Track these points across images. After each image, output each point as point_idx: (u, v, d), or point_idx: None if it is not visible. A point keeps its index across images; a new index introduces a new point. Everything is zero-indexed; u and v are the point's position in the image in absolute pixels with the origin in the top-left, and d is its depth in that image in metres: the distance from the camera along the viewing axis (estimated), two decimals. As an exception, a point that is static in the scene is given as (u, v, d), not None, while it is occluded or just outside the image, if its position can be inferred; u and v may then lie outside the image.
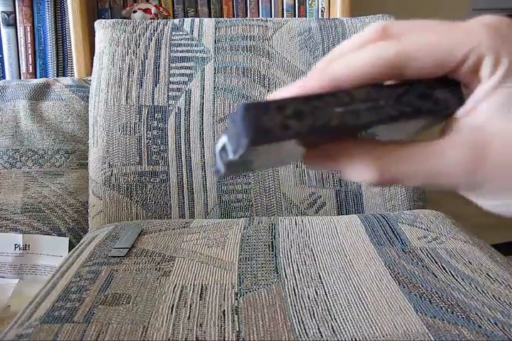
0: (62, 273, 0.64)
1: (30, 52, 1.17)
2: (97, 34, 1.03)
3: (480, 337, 0.48)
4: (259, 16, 1.25)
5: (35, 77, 1.18)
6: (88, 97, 1.02)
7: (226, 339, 0.48)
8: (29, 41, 1.17)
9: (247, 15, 1.25)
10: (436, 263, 0.63)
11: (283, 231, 0.75)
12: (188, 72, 0.97)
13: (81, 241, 0.82)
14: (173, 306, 0.54)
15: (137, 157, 0.93)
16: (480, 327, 0.49)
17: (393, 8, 1.53)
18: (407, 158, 0.22)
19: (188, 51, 0.98)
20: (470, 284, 0.58)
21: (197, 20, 1.02)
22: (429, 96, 0.22)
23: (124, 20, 1.02)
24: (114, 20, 1.02)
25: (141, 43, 0.99)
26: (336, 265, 0.64)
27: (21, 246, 0.96)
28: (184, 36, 1.00)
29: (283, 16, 1.25)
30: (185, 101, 0.95)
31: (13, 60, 1.17)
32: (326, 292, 0.57)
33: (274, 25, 1.01)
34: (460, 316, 0.51)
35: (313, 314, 0.53)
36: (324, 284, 0.59)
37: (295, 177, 0.92)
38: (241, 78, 0.96)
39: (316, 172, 0.93)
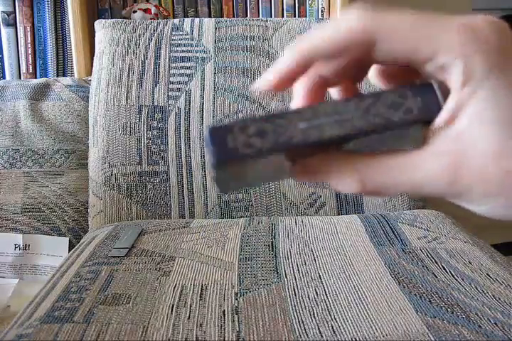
0: (62, 273, 0.64)
1: (30, 52, 1.17)
2: (97, 34, 1.03)
3: (480, 337, 0.48)
4: (259, 16, 1.25)
5: (35, 77, 1.18)
6: (88, 97, 1.02)
7: (226, 339, 0.48)
8: (29, 41, 1.17)
9: (247, 15, 1.25)
10: (436, 263, 0.63)
11: (283, 231, 0.75)
12: (188, 72, 0.97)
13: (81, 241, 0.82)
14: (173, 306, 0.54)
15: (137, 157, 0.93)
16: (480, 327, 0.49)
17: (393, 8, 1.53)
18: (387, 169, 0.22)
19: (188, 51, 0.98)
20: (470, 284, 0.58)
21: (197, 20, 1.02)
22: (399, 105, 0.21)
23: (124, 20, 1.02)
24: (114, 20, 1.02)
25: (141, 43, 0.99)
26: (336, 265, 0.64)
27: (21, 246, 0.96)
28: (184, 36, 1.00)
29: (283, 16, 1.25)
30: (185, 101, 0.95)
31: (13, 60, 1.17)
32: (326, 292, 0.57)
33: (274, 25, 1.01)
34: (460, 316, 0.51)
35: (313, 314, 0.53)
36: (324, 284, 0.59)
37: (295, 177, 0.92)
38: (241, 78, 0.96)
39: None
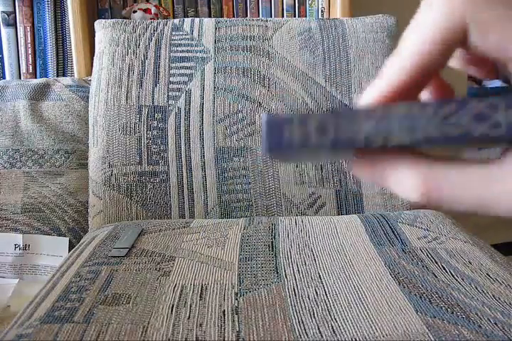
0: (62, 273, 0.64)
1: (30, 52, 1.17)
2: (97, 34, 1.03)
3: (480, 337, 0.48)
4: (259, 16, 1.25)
5: (35, 77, 1.18)
6: (88, 97, 1.02)
7: (226, 339, 0.48)
8: (29, 41, 1.17)
9: (247, 15, 1.25)
10: (436, 263, 0.63)
11: (283, 231, 0.75)
12: (188, 72, 0.97)
13: (81, 241, 0.82)
14: (173, 306, 0.54)
15: (137, 157, 0.93)
16: (480, 327, 0.49)
17: (393, 8, 1.53)
18: (459, 179, 0.19)
19: (188, 51, 0.98)
20: (470, 284, 0.58)
21: (197, 20, 1.02)
22: (486, 117, 0.18)
23: (124, 20, 1.02)
24: (114, 20, 1.02)
25: (141, 43, 0.99)
26: (336, 265, 0.64)
27: (21, 246, 0.96)
28: (184, 36, 1.00)
29: (283, 16, 1.25)
30: (185, 101, 0.95)
31: (13, 60, 1.17)
32: (326, 292, 0.57)
33: (274, 25, 1.01)
34: (460, 316, 0.51)
35: (313, 314, 0.53)
36: (324, 284, 0.59)
37: (295, 177, 0.92)
38: (241, 78, 0.96)
39: (316, 172, 0.93)
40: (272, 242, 0.71)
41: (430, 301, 0.54)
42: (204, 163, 0.93)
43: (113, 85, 0.96)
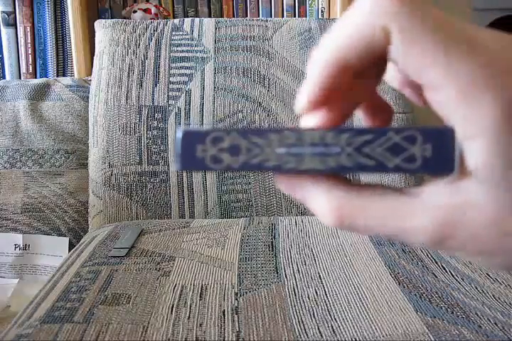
0: (62, 273, 0.64)
1: (30, 52, 1.17)
2: (97, 34, 1.03)
3: (480, 337, 0.48)
4: (259, 16, 1.25)
5: (35, 77, 1.18)
6: (88, 97, 1.02)
7: (226, 339, 0.48)
8: (29, 41, 1.17)
9: (247, 15, 1.25)
10: (436, 263, 0.63)
11: (283, 231, 0.75)
12: (188, 72, 0.97)
13: (81, 241, 0.82)
14: (173, 306, 0.54)
15: (137, 157, 0.93)
16: (480, 327, 0.49)
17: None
18: (372, 208, 0.19)
19: (188, 51, 0.98)
20: (470, 284, 0.58)
21: (197, 20, 1.02)
22: (401, 150, 0.18)
23: (124, 20, 1.02)
24: (114, 20, 1.02)
25: (141, 43, 0.99)
26: (336, 265, 0.64)
27: (21, 246, 0.96)
28: (184, 36, 1.00)
29: (283, 16, 1.25)
30: (185, 101, 0.95)
31: (13, 60, 1.17)
32: (326, 292, 0.57)
33: (274, 25, 1.01)
34: (460, 316, 0.51)
35: (313, 314, 0.53)
36: (324, 284, 0.59)
37: (295, 177, 0.92)
38: (241, 78, 0.96)
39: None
40: (272, 242, 0.71)
41: (430, 301, 0.54)
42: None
43: (113, 85, 0.96)
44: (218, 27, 1.01)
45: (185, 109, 0.95)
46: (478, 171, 0.17)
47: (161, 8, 1.20)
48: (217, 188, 0.92)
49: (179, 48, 0.99)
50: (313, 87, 0.19)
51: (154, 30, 1.00)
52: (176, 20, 1.02)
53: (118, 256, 0.66)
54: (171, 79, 0.96)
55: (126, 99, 0.95)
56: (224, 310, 0.53)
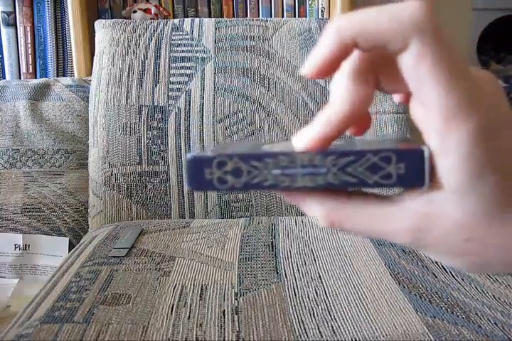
0: (62, 273, 0.64)
1: (30, 52, 1.17)
2: (97, 34, 1.03)
3: (480, 337, 0.48)
4: (259, 16, 1.25)
5: (35, 77, 1.18)
6: (88, 97, 1.02)
7: (226, 339, 0.48)
8: (29, 41, 1.17)
9: (247, 16, 1.25)
10: (436, 263, 0.63)
11: (283, 231, 0.75)
12: (188, 72, 0.97)
13: (81, 241, 0.82)
14: (173, 306, 0.54)
15: (137, 157, 0.93)
16: (480, 327, 0.49)
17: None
18: (357, 216, 0.23)
19: (188, 51, 0.98)
20: (470, 284, 0.58)
21: (197, 20, 1.02)
22: (379, 169, 0.21)
23: (124, 20, 1.02)
24: (114, 20, 1.02)
25: (141, 43, 0.99)
26: (336, 265, 0.64)
27: (21, 246, 0.96)
28: (184, 36, 1.00)
29: (283, 16, 1.25)
30: (185, 101, 0.95)
31: (13, 60, 1.17)
32: (326, 292, 0.57)
33: (274, 25, 1.01)
34: (460, 316, 0.51)
35: (313, 314, 0.53)
36: (324, 284, 0.59)
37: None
38: (241, 78, 0.96)
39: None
40: (272, 242, 0.71)
41: (430, 301, 0.54)
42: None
43: (113, 85, 0.96)
44: (218, 27, 1.01)
45: (185, 109, 0.94)
46: (447, 184, 0.20)
47: (161, 8, 1.20)
48: (217, 188, 0.92)
49: (179, 48, 0.99)
50: (323, 52, 0.21)
51: (154, 30, 1.00)
52: (176, 20, 1.02)
53: (118, 256, 0.66)
54: (171, 79, 0.96)
55: (126, 99, 0.95)
56: (224, 310, 0.53)
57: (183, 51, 0.98)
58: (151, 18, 1.16)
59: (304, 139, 0.22)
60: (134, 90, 0.95)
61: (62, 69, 1.20)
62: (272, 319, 0.52)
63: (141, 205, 0.91)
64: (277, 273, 0.62)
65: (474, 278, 0.59)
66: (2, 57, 1.17)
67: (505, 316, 0.51)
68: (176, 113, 0.94)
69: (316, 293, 0.57)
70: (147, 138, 0.93)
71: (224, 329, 0.50)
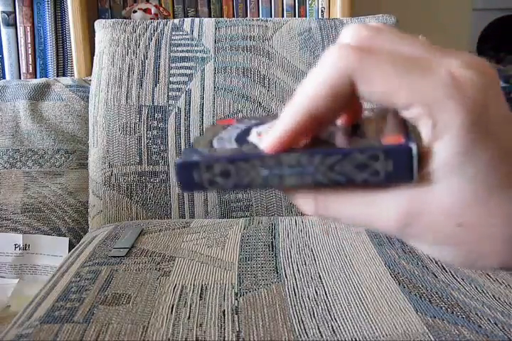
0: (62, 273, 0.65)
1: (30, 52, 1.17)
2: (97, 34, 1.03)
3: (480, 337, 0.48)
4: (259, 16, 1.25)
5: (35, 77, 1.18)
6: (88, 97, 1.02)
7: (226, 339, 0.48)
8: (29, 41, 1.17)
9: (247, 15, 1.25)
10: (436, 263, 0.63)
11: (283, 231, 0.75)
12: (188, 72, 0.97)
13: (81, 241, 0.82)
14: (173, 306, 0.54)
15: (137, 157, 0.93)
16: (480, 327, 0.49)
17: (393, 8, 1.53)
18: (344, 200, 0.22)
19: (188, 51, 0.98)
20: (470, 284, 0.58)
21: (197, 20, 1.02)
22: (366, 167, 0.21)
23: (124, 20, 1.02)
24: (114, 20, 1.02)
25: (141, 43, 0.99)
26: (336, 265, 0.64)
27: (21, 246, 0.96)
28: (184, 36, 1.00)
29: (283, 16, 1.25)
30: (185, 101, 0.95)
31: (13, 60, 1.17)
32: (326, 292, 0.57)
33: (274, 25, 1.01)
34: (460, 316, 0.51)
35: (313, 314, 0.53)
36: (324, 284, 0.59)
37: (295, 177, 0.92)
38: (241, 78, 0.96)
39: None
40: (272, 242, 0.71)
41: (430, 301, 0.54)
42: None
43: (113, 85, 0.96)
44: (218, 27, 1.01)
45: (185, 109, 0.95)
46: (440, 168, 0.20)
47: (161, 8, 1.20)
48: (217, 188, 0.92)
49: (179, 48, 0.99)
50: (285, 131, 0.21)
51: (154, 30, 1.00)
52: (176, 20, 1.02)
53: (118, 256, 0.66)
54: (171, 79, 0.96)
55: (126, 99, 0.95)
56: (224, 310, 0.53)
57: (183, 51, 0.98)
58: (151, 18, 1.16)
59: (271, 138, 0.22)
60: (134, 90, 0.95)
61: (62, 69, 1.20)
62: (272, 319, 0.52)
63: (141, 205, 0.91)
64: (277, 273, 0.62)
65: (474, 278, 0.59)
66: (2, 57, 1.17)
67: (505, 316, 0.51)
68: (176, 113, 0.94)
69: (316, 293, 0.57)
70: (147, 138, 0.93)
71: (224, 329, 0.50)
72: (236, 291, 0.57)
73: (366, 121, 0.25)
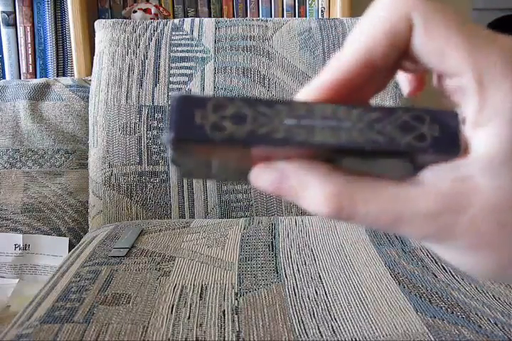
0: (62, 273, 0.64)
1: (30, 52, 1.17)
2: (97, 34, 1.03)
3: (480, 337, 0.48)
4: (259, 16, 1.25)
5: (35, 77, 1.18)
6: (88, 97, 1.02)
7: (226, 339, 0.48)
8: (29, 41, 1.17)
9: (247, 15, 1.25)
10: (436, 263, 0.63)
11: (283, 231, 0.75)
12: (188, 72, 0.97)
13: (81, 241, 0.82)
14: (173, 306, 0.54)
15: (137, 157, 0.93)
16: (480, 327, 0.49)
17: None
18: (373, 193, 0.18)
19: (188, 51, 0.98)
20: (470, 284, 0.58)
21: (197, 20, 1.02)
22: (412, 129, 0.18)
23: (124, 20, 1.02)
24: (114, 20, 1.02)
25: (141, 43, 0.99)
26: (336, 265, 0.64)
27: (21, 246, 0.96)
28: (184, 36, 1.00)
29: (283, 16, 1.25)
30: (185, 101, 0.95)
31: (13, 60, 1.17)
32: (326, 292, 0.57)
33: (274, 25, 1.01)
34: (460, 316, 0.51)
35: (313, 314, 0.53)
36: (324, 284, 0.59)
37: (295, 177, 0.92)
38: (241, 78, 0.96)
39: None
40: (272, 242, 0.71)
41: (430, 301, 0.54)
42: (204, 163, 0.93)
43: (113, 85, 0.96)
44: (218, 27, 1.01)
45: (185, 109, 0.94)
46: (484, 157, 0.17)
47: (161, 8, 1.20)
48: (217, 188, 0.92)
49: (179, 48, 0.99)
50: (330, 80, 0.19)
51: (154, 30, 1.00)
52: (176, 20, 1.02)
53: (118, 256, 0.66)
54: (171, 79, 0.96)
55: (126, 99, 0.95)
56: (224, 310, 0.53)
57: (183, 51, 0.98)
58: (151, 18, 1.16)
59: (312, 88, 0.19)
60: (134, 90, 0.95)
61: (62, 69, 1.20)
62: (272, 319, 0.52)
63: (141, 205, 0.91)
64: (277, 273, 0.62)
65: (474, 278, 0.59)
66: (2, 57, 1.17)
67: (505, 316, 0.51)
68: (175, 113, 0.94)
69: (316, 293, 0.57)
70: (147, 138, 0.93)
71: (224, 329, 0.50)
72: (236, 291, 0.57)
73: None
